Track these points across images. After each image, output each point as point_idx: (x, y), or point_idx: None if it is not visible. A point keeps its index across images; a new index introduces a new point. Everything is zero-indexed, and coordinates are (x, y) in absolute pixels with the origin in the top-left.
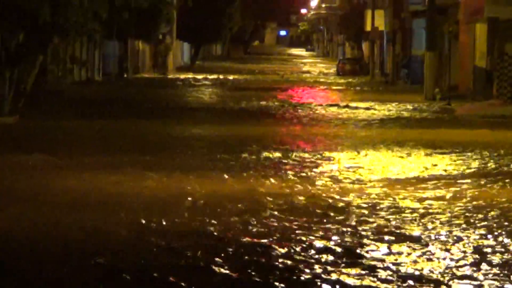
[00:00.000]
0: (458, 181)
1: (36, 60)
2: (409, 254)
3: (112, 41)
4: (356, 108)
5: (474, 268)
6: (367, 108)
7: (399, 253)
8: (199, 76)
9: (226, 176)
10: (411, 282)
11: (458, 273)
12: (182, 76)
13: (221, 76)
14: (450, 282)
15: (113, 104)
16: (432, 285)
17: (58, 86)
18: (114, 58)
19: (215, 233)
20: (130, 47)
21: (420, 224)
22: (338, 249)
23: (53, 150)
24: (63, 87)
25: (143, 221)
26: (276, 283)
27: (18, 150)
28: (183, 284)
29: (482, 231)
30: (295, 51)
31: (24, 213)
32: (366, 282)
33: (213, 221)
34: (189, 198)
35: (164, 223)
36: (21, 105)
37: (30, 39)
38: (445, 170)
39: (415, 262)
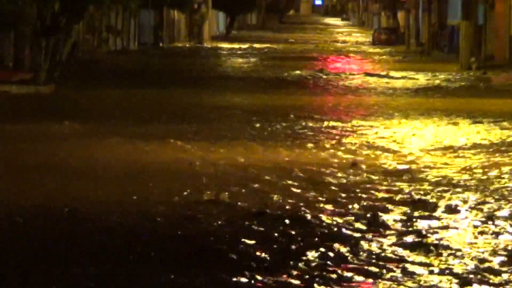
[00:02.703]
0: (499, 149)
1: (71, 30)
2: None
3: (147, 10)
4: (394, 78)
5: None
6: (404, 78)
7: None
8: (234, 46)
9: (261, 145)
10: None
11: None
12: (218, 45)
13: (256, 46)
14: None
15: (148, 74)
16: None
17: (93, 56)
18: (150, 27)
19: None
20: (165, 16)
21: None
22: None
23: (86, 119)
24: (99, 57)
25: (184, 193)
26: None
27: (52, 119)
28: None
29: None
30: (331, 20)
31: (47, 179)
32: None
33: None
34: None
35: (189, 194)
36: (56, 74)
37: (65, 8)
38: (485, 139)
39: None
